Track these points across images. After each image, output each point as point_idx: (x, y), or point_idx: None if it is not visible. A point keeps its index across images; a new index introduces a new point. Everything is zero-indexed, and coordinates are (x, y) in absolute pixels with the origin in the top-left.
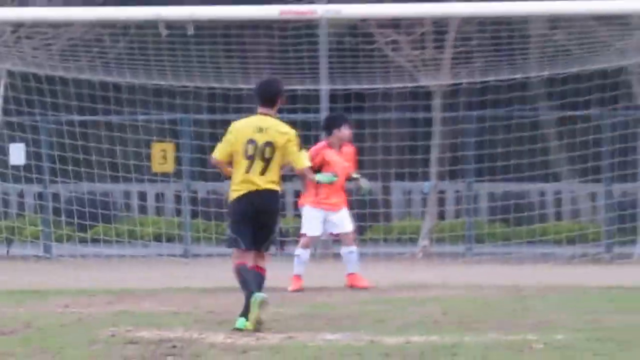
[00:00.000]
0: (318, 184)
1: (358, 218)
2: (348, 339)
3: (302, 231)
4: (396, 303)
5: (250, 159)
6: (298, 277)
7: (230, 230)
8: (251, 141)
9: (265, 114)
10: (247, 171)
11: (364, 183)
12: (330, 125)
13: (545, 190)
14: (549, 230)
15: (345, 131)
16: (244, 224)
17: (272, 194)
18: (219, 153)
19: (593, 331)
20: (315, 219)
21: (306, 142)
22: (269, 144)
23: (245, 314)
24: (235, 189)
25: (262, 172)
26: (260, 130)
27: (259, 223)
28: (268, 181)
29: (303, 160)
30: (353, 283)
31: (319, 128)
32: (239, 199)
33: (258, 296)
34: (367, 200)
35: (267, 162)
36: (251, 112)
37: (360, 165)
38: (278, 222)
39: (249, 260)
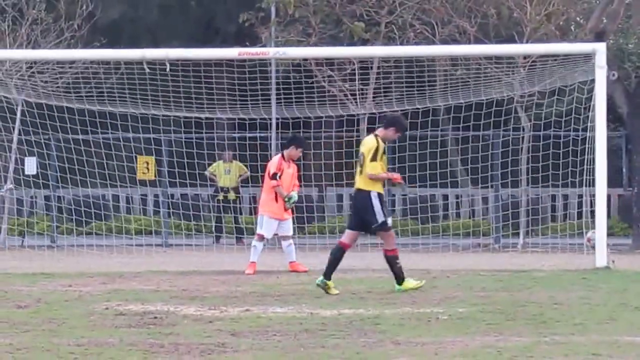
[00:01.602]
0: (281, 197)
1: (298, 219)
2: (293, 312)
3: (260, 232)
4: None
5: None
6: (254, 263)
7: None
8: None
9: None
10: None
11: (294, 195)
12: (289, 142)
13: (447, 194)
14: (451, 226)
15: (299, 151)
16: None
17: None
18: None
19: (486, 305)
20: (272, 225)
21: (262, 160)
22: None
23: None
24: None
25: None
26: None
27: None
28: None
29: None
30: (294, 269)
31: (271, 148)
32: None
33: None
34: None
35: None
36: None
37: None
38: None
39: None
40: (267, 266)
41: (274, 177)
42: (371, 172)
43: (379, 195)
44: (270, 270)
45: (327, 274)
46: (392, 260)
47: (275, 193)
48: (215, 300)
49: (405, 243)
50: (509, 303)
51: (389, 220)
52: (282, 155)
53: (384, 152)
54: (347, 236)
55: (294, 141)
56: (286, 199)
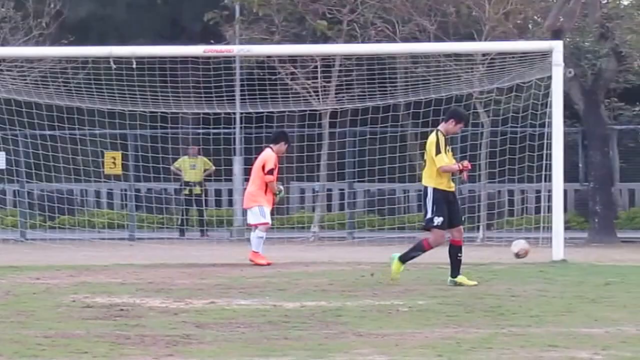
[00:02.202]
0: (272, 190)
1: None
2: (256, 304)
3: (265, 221)
4: (293, 276)
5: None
6: (258, 253)
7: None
8: None
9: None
10: None
11: (283, 189)
12: (279, 138)
13: (408, 188)
14: (412, 220)
15: (287, 147)
16: None
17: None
18: None
19: (445, 297)
20: (269, 213)
21: (226, 155)
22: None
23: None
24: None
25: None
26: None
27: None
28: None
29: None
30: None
31: (235, 143)
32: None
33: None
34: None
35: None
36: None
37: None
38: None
39: None
40: (232, 259)
41: (270, 172)
42: (439, 164)
43: (435, 191)
44: (235, 263)
45: (453, 273)
46: (420, 251)
47: (266, 185)
48: (180, 293)
49: (370, 237)
50: (467, 295)
51: (438, 220)
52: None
53: (446, 145)
54: (451, 234)
55: (284, 136)
56: (277, 193)
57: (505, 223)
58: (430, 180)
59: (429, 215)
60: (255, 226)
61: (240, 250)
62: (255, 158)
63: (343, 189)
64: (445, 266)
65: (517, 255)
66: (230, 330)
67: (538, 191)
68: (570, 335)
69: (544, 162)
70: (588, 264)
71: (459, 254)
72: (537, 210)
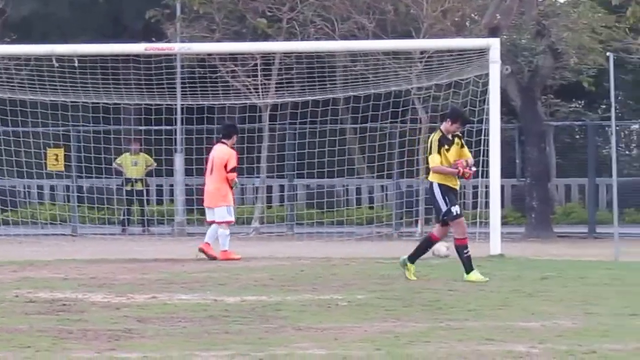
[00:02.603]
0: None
1: (199, 209)
2: (198, 299)
3: (231, 219)
4: (234, 271)
5: None
6: (227, 251)
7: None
8: None
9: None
10: None
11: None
12: (232, 132)
13: (348, 184)
14: (352, 214)
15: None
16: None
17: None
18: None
19: (384, 292)
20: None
21: (167, 152)
22: None
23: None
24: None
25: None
26: None
27: None
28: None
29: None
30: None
31: (176, 141)
32: None
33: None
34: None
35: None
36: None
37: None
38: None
39: None
40: (173, 254)
41: (233, 170)
42: (431, 164)
43: (440, 185)
44: (176, 259)
45: (412, 258)
46: (459, 250)
47: (229, 183)
48: (122, 288)
49: (310, 231)
50: (406, 290)
51: (455, 209)
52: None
53: (442, 145)
54: (436, 229)
55: (235, 130)
56: (234, 186)
57: None
58: (435, 176)
59: (444, 208)
60: (219, 224)
61: (182, 246)
62: (207, 154)
63: (283, 184)
64: (383, 261)
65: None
66: (171, 324)
67: (475, 187)
68: (507, 329)
69: (482, 158)
70: (525, 258)
71: (429, 248)
72: (475, 206)
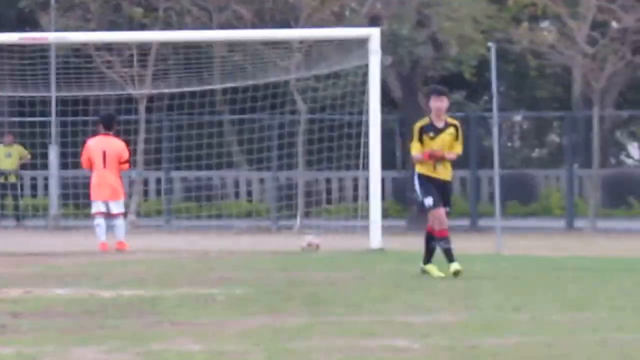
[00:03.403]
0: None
1: (76, 197)
2: (73, 293)
3: (125, 210)
4: (109, 264)
5: None
6: (123, 242)
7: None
8: None
9: None
10: None
11: None
12: (113, 122)
13: (226, 176)
14: (230, 207)
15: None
16: None
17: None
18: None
19: (263, 286)
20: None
21: (42, 145)
22: None
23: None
24: None
25: None
26: None
27: None
28: None
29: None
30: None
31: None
32: None
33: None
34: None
35: None
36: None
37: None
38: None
39: None
40: (48, 247)
41: (127, 161)
42: (411, 152)
43: (420, 175)
44: (51, 252)
45: (426, 260)
46: (437, 242)
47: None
48: None
49: (187, 225)
50: (285, 284)
51: (428, 200)
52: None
53: (425, 132)
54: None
55: (116, 119)
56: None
57: (323, 211)
58: (417, 166)
59: (420, 199)
60: (116, 216)
61: (57, 239)
62: (82, 146)
63: (160, 177)
64: (263, 254)
65: (308, 246)
66: (46, 319)
67: (356, 179)
68: (388, 323)
69: (362, 149)
70: (406, 252)
71: (434, 243)
72: (355, 198)
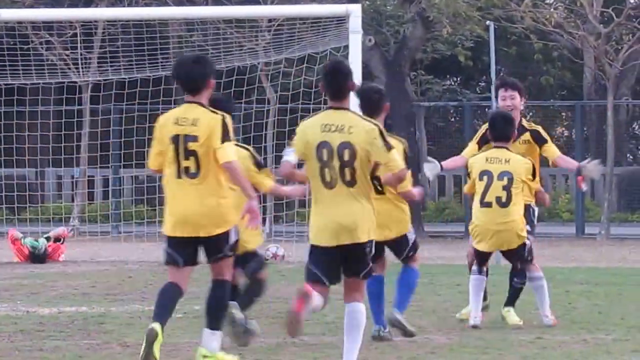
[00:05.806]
0: None
1: (10, 200)
2: (6, 310)
3: None
4: (49, 277)
5: None
6: None
7: None
8: None
9: None
10: None
11: None
12: None
13: None
14: None
15: None
16: None
17: None
18: None
19: None
20: None
21: None
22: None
23: None
24: None
25: None
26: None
27: None
28: None
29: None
30: None
31: None
32: None
33: None
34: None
35: None
36: None
37: (18, 152)
38: None
39: None
40: None
41: None
42: None
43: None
44: None
45: None
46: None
47: None
48: None
49: (139, 231)
50: None
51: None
52: None
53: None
54: None
55: None
56: None
57: (295, 215)
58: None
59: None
60: None
61: None
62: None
63: (107, 175)
64: None
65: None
66: None
67: None
68: (368, 344)
69: None
70: (391, 262)
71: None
72: None
